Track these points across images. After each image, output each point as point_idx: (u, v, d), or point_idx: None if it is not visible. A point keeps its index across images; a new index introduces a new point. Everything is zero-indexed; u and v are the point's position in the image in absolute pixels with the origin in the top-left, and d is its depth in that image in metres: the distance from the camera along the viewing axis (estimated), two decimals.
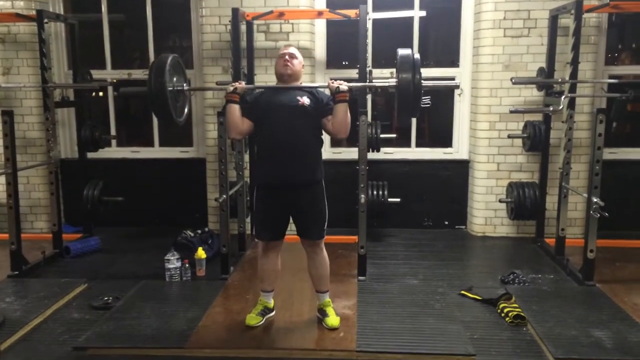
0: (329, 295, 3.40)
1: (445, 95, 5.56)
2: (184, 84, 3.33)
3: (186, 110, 3.38)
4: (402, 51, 3.15)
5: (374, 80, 3.51)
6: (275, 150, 3.14)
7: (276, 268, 3.40)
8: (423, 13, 5.34)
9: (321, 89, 3.27)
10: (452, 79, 5.38)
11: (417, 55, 3.11)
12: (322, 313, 3.34)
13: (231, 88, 3.17)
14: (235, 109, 3.15)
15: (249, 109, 3.20)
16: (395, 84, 3.10)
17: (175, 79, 3.20)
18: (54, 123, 4.73)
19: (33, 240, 4.96)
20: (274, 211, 3.24)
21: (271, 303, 3.44)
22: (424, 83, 3.09)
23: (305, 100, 3.13)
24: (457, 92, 5.38)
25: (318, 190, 3.24)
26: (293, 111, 3.11)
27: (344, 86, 3.10)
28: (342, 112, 3.09)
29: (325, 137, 3.37)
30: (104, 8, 5.47)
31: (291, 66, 3.18)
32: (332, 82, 3.13)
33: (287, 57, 3.19)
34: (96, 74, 5.33)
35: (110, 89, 5.61)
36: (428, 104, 3.17)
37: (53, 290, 3.83)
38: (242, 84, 3.23)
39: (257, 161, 3.33)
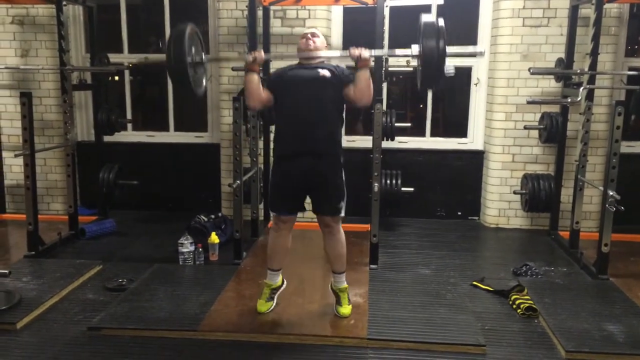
0: (345, 280, 3.37)
1: (461, 85, 5.51)
2: (202, 54, 3.32)
3: (204, 82, 3.37)
4: (425, 17, 3.04)
5: (396, 52, 3.41)
6: (298, 119, 3.15)
7: (286, 246, 3.36)
8: (441, 1, 5.27)
9: (341, 61, 3.25)
10: (469, 68, 5.34)
11: (441, 22, 3.00)
12: (337, 297, 3.34)
13: (251, 58, 3.16)
14: (255, 78, 3.16)
15: (272, 82, 3.23)
16: (418, 53, 3.02)
17: (193, 48, 3.19)
18: (71, 106, 4.77)
19: (49, 221, 5.02)
20: (292, 181, 3.20)
21: (277, 282, 3.41)
22: (449, 51, 2.97)
23: (326, 73, 3.14)
24: (473, 81, 5.34)
25: (337, 164, 3.22)
26: (315, 84, 3.13)
27: (366, 53, 3.07)
28: (365, 79, 3.07)
29: None
30: None
31: (313, 43, 3.20)
32: (354, 50, 3.10)
33: (309, 34, 3.23)
34: (113, 57, 5.35)
35: (127, 72, 5.63)
36: (453, 72, 3.06)
37: (68, 271, 3.89)
38: (261, 54, 3.21)
39: (277, 134, 3.31)
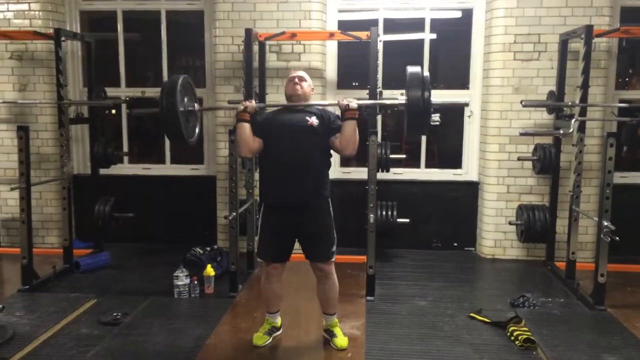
0: (336, 316, 3.39)
1: (455, 117, 5.58)
2: (195, 104, 3.37)
3: (197, 130, 3.42)
4: (411, 69, 3.17)
5: (383, 99, 3.53)
6: (282, 169, 3.15)
7: (279, 291, 3.40)
8: (433, 36, 5.39)
9: (329, 109, 3.29)
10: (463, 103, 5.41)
11: (426, 73, 3.13)
12: (330, 334, 3.33)
13: (242, 107, 3.20)
14: (245, 127, 3.18)
15: (259, 128, 3.23)
16: (404, 101, 3.12)
17: (186, 99, 3.24)
18: (68, 139, 4.79)
19: (44, 255, 5.00)
20: (278, 231, 3.24)
21: (278, 322, 3.44)
22: (434, 100, 3.10)
23: (314, 120, 3.15)
24: (466, 114, 5.41)
25: (324, 211, 3.24)
26: (301, 131, 3.14)
27: (354, 104, 3.11)
28: (351, 130, 3.10)
29: (335, 156, 3.39)
30: (119, 27, 5.57)
31: (300, 88, 3.21)
32: (342, 100, 3.15)
33: (296, 79, 3.23)
34: (110, 91, 5.41)
35: (123, 106, 5.68)
36: (438, 121, 3.18)
37: (62, 305, 3.86)
38: (252, 103, 3.26)
39: (262, 181, 3.34)
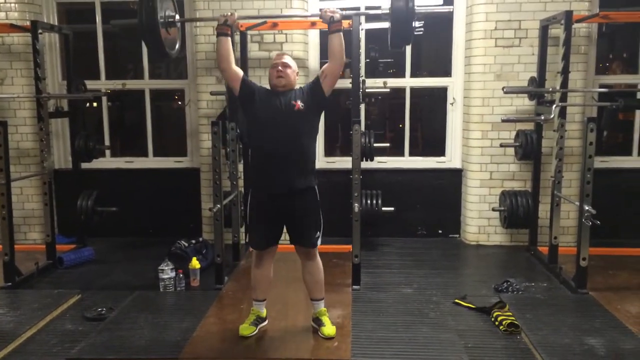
0: (324, 303, 3.40)
1: (438, 104, 5.60)
2: (176, 15, 3.33)
3: (178, 45, 3.37)
4: None
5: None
6: (270, 157, 3.14)
7: (269, 276, 3.39)
8: (416, 23, 5.37)
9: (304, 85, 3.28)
10: (445, 88, 5.43)
11: None
12: (318, 322, 3.34)
13: (222, 19, 3.18)
14: (226, 41, 3.16)
15: (247, 82, 3.21)
16: (388, 10, 3.13)
17: (166, 10, 3.19)
18: (47, 133, 4.73)
19: (26, 251, 4.95)
20: (268, 219, 3.24)
21: (264, 312, 3.44)
22: (417, 10, 3.15)
23: (299, 103, 3.12)
24: (449, 101, 5.42)
25: (312, 197, 3.24)
26: (289, 116, 3.11)
27: (337, 15, 3.09)
28: (338, 42, 3.09)
29: (319, 146, 3.38)
30: (98, 19, 5.49)
31: (284, 77, 3.17)
32: (326, 11, 3.11)
33: (279, 67, 3.17)
34: (90, 84, 5.34)
35: (104, 99, 5.61)
36: (422, 30, 3.23)
37: (46, 302, 3.82)
38: (234, 15, 3.22)
39: (251, 167, 3.32)
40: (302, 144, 3.16)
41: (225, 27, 3.18)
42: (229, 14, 3.21)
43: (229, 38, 3.19)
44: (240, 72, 3.23)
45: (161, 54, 3.26)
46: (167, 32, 3.19)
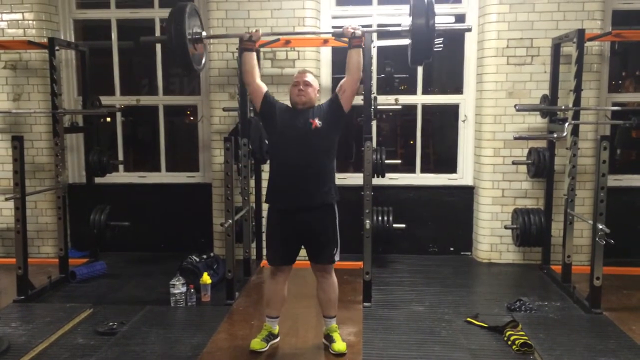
0: (335, 320, 3.39)
1: (449, 121, 5.60)
2: (202, 32, 3.43)
3: (204, 60, 3.49)
4: None
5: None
6: (291, 175, 3.18)
7: (283, 293, 3.40)
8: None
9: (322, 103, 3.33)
10: (456, 105, 5.44)
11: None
12: (329, 339, 3.33)
13: (247, 36, 3.26)
14: (251, 57, 3.25)
15: (269, 99, 3.26)
16: (408, 27, 3.19)
17: (193, 25, 3.29)
18: (62, 148, 4.78)
19: (39, 264, 4.98)
20: (286, 235, 3.25)
21: (276, 329, 3.43)
22: (437, 27, 3.17)
23: (317, 122, 3.16)
24: (461, 118, 5.43)
25: (330, 214, 3.26)
26: (307, 135, 3.15)
27: (359, 31, 3.15)
28: (356, 58, 3.16)
29: None
30: (114, 36, 5.58)
31: (305, 95, 3.21)
32: (348, 28, 3.18)
33: (301, 86, 3.22)
34: (105, 100, 5.41)
35: (118, 114, 5.68)
36: (441, 46, 3.26)
37: (58, 315, 3.83)
38: (258, 32, 3.30)
39: (270, 183, 3.34)
40: (320, 161, 3.18)
41: (249, 43, 3.26)
42: (254, 30, 3.31)
43: (254, 53, 3.28)
44: (264, 88, 3.28)
45: (189, 70, 3.35)
46: (194, 48, 3.28)
